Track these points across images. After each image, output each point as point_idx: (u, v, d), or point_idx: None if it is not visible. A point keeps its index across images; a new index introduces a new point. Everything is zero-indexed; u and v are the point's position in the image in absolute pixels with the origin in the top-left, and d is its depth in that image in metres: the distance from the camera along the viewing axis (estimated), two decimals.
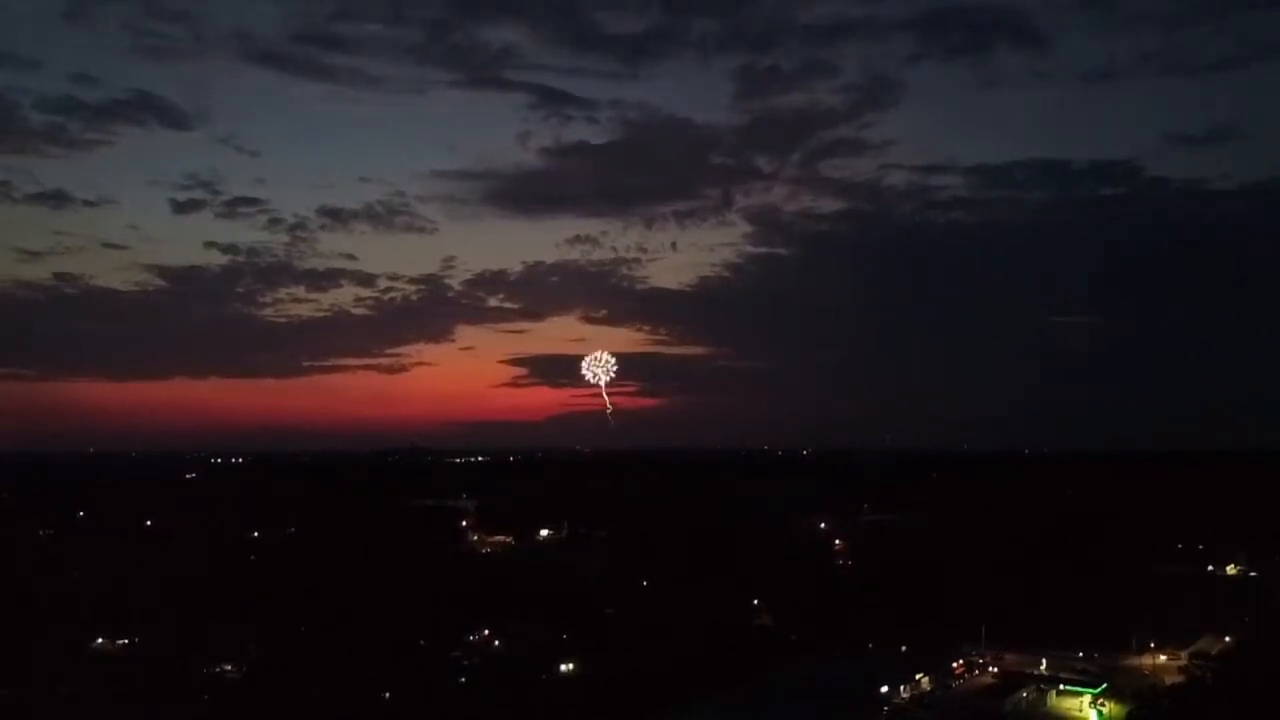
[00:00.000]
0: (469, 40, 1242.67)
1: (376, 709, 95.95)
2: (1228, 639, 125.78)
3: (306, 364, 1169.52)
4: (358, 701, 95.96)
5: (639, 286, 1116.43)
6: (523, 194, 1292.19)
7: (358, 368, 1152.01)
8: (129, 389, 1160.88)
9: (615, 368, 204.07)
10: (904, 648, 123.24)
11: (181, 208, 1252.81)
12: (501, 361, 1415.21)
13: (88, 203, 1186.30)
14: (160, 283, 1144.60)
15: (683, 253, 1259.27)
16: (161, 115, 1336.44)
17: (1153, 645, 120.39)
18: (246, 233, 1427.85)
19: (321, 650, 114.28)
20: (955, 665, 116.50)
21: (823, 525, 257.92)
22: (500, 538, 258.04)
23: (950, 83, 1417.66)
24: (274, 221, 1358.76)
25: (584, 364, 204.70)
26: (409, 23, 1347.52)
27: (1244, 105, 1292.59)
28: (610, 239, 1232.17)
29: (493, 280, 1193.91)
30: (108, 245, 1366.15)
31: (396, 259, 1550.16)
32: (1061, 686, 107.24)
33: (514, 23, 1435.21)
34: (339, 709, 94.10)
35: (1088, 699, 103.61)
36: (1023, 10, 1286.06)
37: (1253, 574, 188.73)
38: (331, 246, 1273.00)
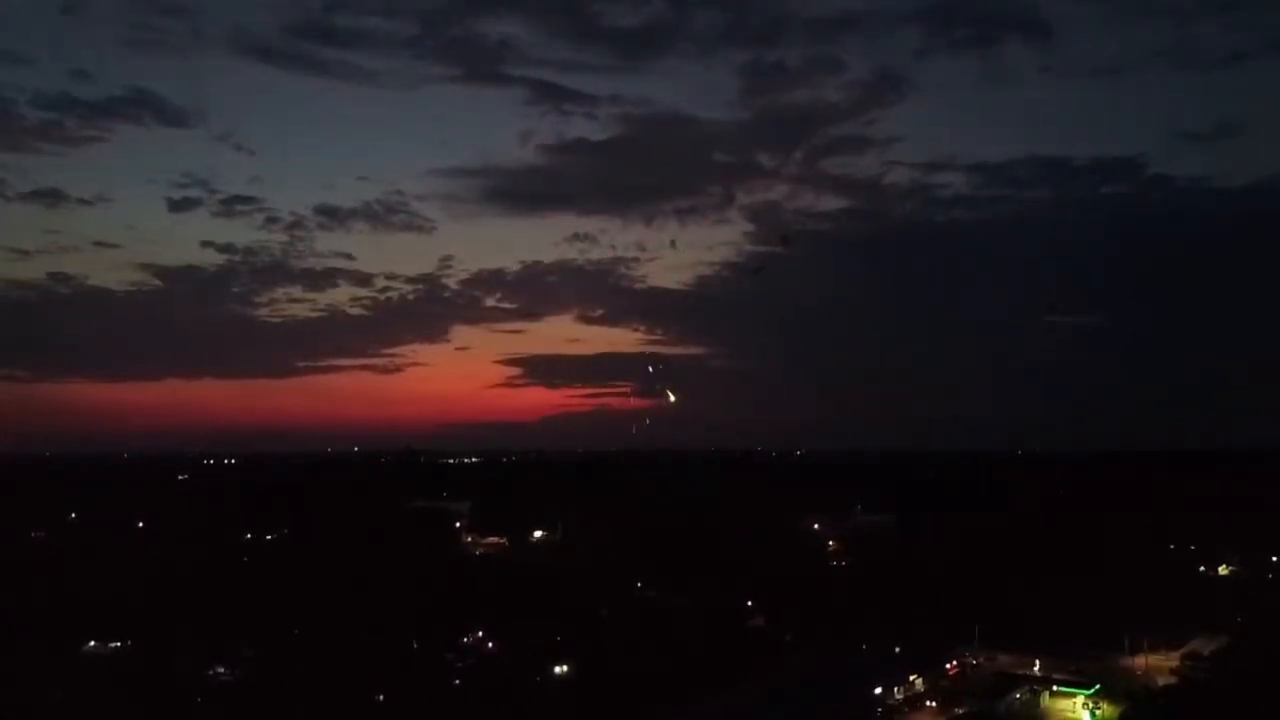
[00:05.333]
0: (466, 33, 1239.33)
1: (370, 711, 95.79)
2: (1221, 640, 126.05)
3: (301, 364, 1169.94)
4: (351, 704, 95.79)
5: (637, 286, 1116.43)
6: (521, 191, 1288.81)
7: (352, 368, 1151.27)
8: (122, 389, 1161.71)
9: None
10: (898, 648, 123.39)
11: (177, 206, 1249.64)
12: (496, 362, 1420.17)
13: (82, 201, 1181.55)
14: (156, 282, 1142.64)
15: (681, 251, 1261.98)
16: (158, 112, 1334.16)
17: (1146, 646, 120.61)
18: (243, 232, 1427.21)
19: (315, 652, 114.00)
20: (949, 666, 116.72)
21: (817, 526, 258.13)
22: (494, 539, 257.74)
23: (956, 78, 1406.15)
24: (271, 220, 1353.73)
25: None
26: (405, 15, 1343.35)
27: (1251, 102, 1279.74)
28: (609, 237, 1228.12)
29: (490, 280, 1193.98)
30: (102, 244, 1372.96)
31: (394, 258, 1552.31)
32: (1055, 687, 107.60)
33: (511, 15, 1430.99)
34: (333, 711, 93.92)
35: (1081, 700, 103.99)
36: (1031, 2, 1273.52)
37: (1245, 574, 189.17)
38: (329, 246, 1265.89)
